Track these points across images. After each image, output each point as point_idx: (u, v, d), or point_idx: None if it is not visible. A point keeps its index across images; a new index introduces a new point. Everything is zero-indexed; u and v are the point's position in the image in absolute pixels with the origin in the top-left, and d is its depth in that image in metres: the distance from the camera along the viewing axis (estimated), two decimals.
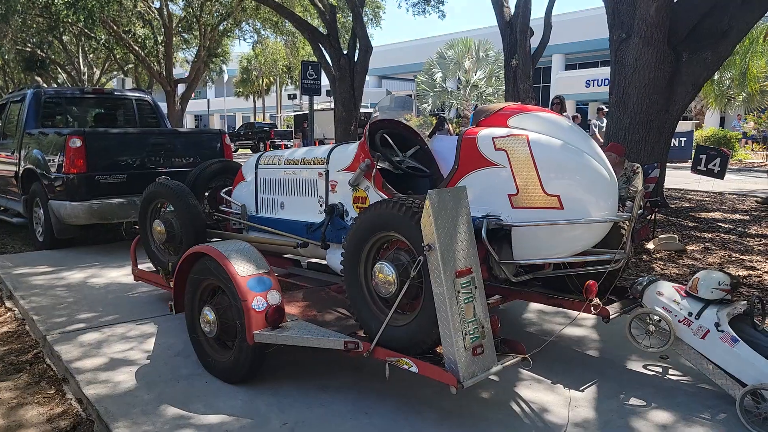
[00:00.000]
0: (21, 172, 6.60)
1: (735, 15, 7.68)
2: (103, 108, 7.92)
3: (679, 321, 3.16)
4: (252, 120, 42.61)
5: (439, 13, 16.62)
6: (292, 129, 30.77)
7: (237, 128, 37.82)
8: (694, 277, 3.27)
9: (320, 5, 12.86)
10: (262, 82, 44.36)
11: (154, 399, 3.04)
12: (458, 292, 2.53)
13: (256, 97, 46.54)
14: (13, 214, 7.26)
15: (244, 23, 26.30)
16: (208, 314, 3.21)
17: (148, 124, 7.73)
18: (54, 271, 5.43)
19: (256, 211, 4.37)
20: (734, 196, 10.33)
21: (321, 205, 3.83)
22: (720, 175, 11.09)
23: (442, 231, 2.50)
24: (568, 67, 36.39)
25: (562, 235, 2.93)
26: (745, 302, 3.19)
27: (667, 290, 3.30)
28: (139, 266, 4.55)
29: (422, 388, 3.09)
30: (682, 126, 21.27)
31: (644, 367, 3.50)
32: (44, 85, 31.59)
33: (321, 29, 13.54)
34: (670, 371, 3.44)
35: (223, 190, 4.72)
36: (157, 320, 4.14)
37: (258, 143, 30.17)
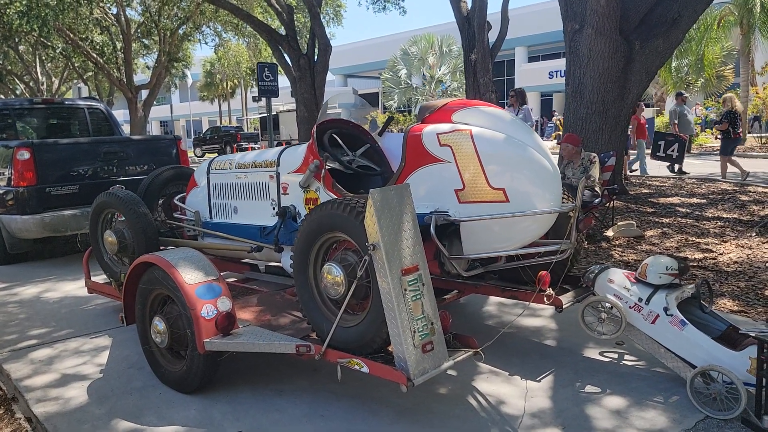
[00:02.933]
0: None
1: (684, 3, 7.85)
2: (55, 118, 7.74)
3: (629, 307, 3.20)
4: (218, 124, 42.14)
5: (399, 9, 16.61)
6: (259, 131, 30.52)
7: (203, 132, 37.35)
8: (642, 263, 3.32)
9: (277, 6, 12.74)
10: (227, 85, 43.92)
11: (106, 414, 2.98)
12: (405, 290, 2.52)
13: (221, 101, 46.05)
14: None
15: (204, 26, 25.97)
16: (159, 324, 3.15)
17: (101, 133, 7.58)
18: (6, 288, 5.29)
19: (210, 217, 4.30)
20: (693, 180, 10.53)
21: (273, 208, 3.79)
22: (679, 160, 11.36)
23: (386, 229, 2.49)
24: (531, 59, 36.78)
25: (509, 227, 2.94)
26: (692, 286, 3.25)
27: (618, 277, 3.34)
28: (93, 278, 4.45)
29: (378, 388, 3.08)
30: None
31: (600, 354, 3.55)
32: (1, 96, 30.80)
33: (281, 30, 13.43)
34: (626, 357, 3.50)
35: (177, 197, 4.64)
36: (111, 333, 4.06)
37: (225, 147, 29.85)
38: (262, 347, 2.88)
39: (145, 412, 2.98)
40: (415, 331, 2.52)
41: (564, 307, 3.38)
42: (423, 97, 33.18)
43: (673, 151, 11.06)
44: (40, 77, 29.65)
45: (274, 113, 32.00)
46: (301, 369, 3.37)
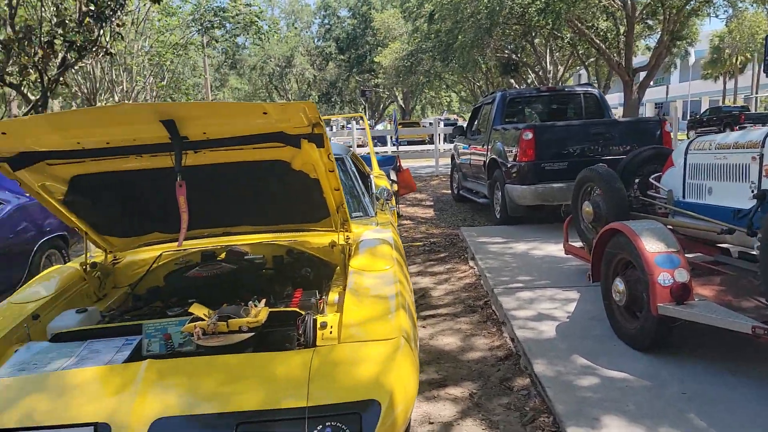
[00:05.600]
0: (487, 161, 8.07)
1: None
2: (554, 103, 8.87)
3: None
4: (720, 104, 38.61)
5: None
6: None
7: (700, 114, 34.91)
8: None
9: None
10: (736, 60, 39.63)
11: (567, 349, 3.59)
12: None
13: (726, 78, 41.87)
14: (481, 195, 8.89)
15: None
16: (619, 285, 3.57)
17: (593, 116, 8.31)
18: (505, 242, 6.55)
19: (683, 197, 4.40)
20: None
21: (752, 191, 3.67)
22: None
23: None
24: None
25: None
26: None
27: None
28: (570, 242, 5.15)
29: None
30: None
31: None
32: (516, 86, 35.64)
33: None
34: None
35: (653, 176, 4.88)
36: (580, 289, 4.68)
37: (723, 129, 27.27)
38: (717, 321, 2.96)
39: (599, 355, 3.47)
40: None
41: None
42: None
43: None
44: (548, 66, 33.01)
45: None
46: (761, 356, 3.26)
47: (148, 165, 2.50)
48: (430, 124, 33.41)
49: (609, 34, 26.03)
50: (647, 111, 56.58)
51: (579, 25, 24.32)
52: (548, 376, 3.24)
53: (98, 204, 2.80)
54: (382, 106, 54.94)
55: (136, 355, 2.24)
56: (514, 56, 32.80)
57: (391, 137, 15.64)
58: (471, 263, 6.09)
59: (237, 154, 2.47)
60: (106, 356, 2.20)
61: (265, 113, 2.13)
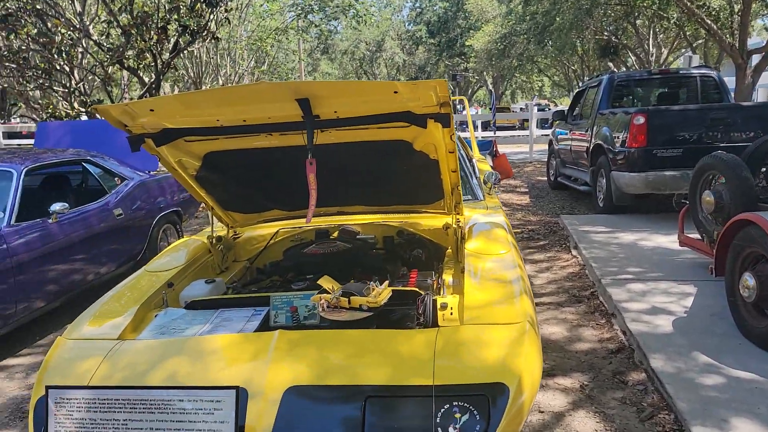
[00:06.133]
0: (591, 147, 7.74)
1: None
2: (667, 87, 8.35)
3: None
4: None
5: None
6: None
7: None
8: None
9: None
10: None
11: (687, 345, 3.41)
12: None
13: None
14: (581, 183, 8.56)
15: None
16: (749, 280, 3.33)
17: (711, 100, 7.78)
18: (610, 231, 6.29)
19: None
20: None
21: None
22: None
23: None
24: None
25: None
26: None
27: None
28: (686, 234, 4.87)
29: None
30: None
31: None
32: (615, 69, 33.95)
33: None
34: None
35: None
36: (697, 283, 4.42)
37: None
38: None
39: (722, 354, 3.27)
40: None
41: None
42: None
43: None
44: (650, 49, 31.19)
45: None
46: None
47: (276, 143, 2.58)
48: (521, 109, 32.55)
49: (722, 14, 24.22)
50: (759, 96, 52.39)
51: (688, 4, 22.78)
52: (667, 372, 3.09)
53: (226, 180, 2.92)
54: (470, 90, 54.01)
55: (264, 326, 2.34)
56: (614, 38, 31.22)
57: (490, 122, 15.42)
58: (574, 252, 5.90)
59: (360, 133, 2.49)
60: (238, 325, 2.31)
61: (395, 92, 2.13)
